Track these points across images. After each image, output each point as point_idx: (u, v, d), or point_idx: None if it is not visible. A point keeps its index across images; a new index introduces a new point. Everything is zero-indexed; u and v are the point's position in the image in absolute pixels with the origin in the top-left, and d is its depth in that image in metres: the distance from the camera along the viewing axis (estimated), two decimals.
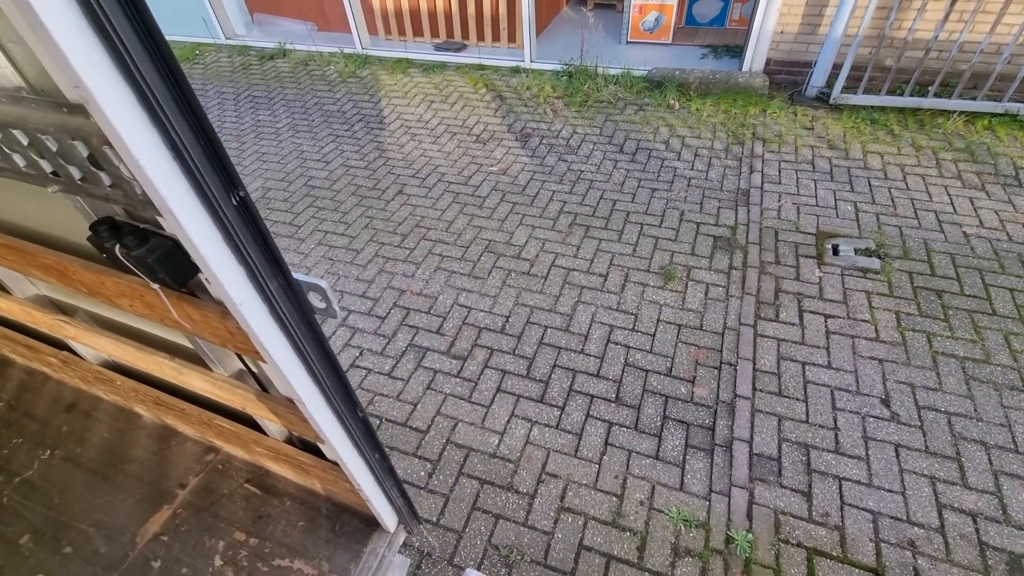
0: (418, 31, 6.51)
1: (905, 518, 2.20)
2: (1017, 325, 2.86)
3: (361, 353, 3.07)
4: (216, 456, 1.69)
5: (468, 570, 1.50)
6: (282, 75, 6.29)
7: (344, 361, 3.02)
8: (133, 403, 1.80)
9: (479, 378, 2.88)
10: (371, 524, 1.46)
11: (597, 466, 2.46)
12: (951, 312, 2.96)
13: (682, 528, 2.23)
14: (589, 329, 3.09)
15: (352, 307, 3.35)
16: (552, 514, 2.31)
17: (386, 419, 2.72)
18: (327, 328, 3.22)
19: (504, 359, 2.97)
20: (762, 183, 4.03)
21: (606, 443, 2.55)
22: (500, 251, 3.68)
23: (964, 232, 3.45)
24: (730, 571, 2.09)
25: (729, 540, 2.18)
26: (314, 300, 0.99)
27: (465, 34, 6.32)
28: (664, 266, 3.44)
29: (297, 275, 0.96)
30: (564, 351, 2.99)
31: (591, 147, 4.64)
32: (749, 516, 2.25)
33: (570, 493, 2.37)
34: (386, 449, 1.29)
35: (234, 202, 0.77)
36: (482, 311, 3.26)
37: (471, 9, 6.07)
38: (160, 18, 0.67)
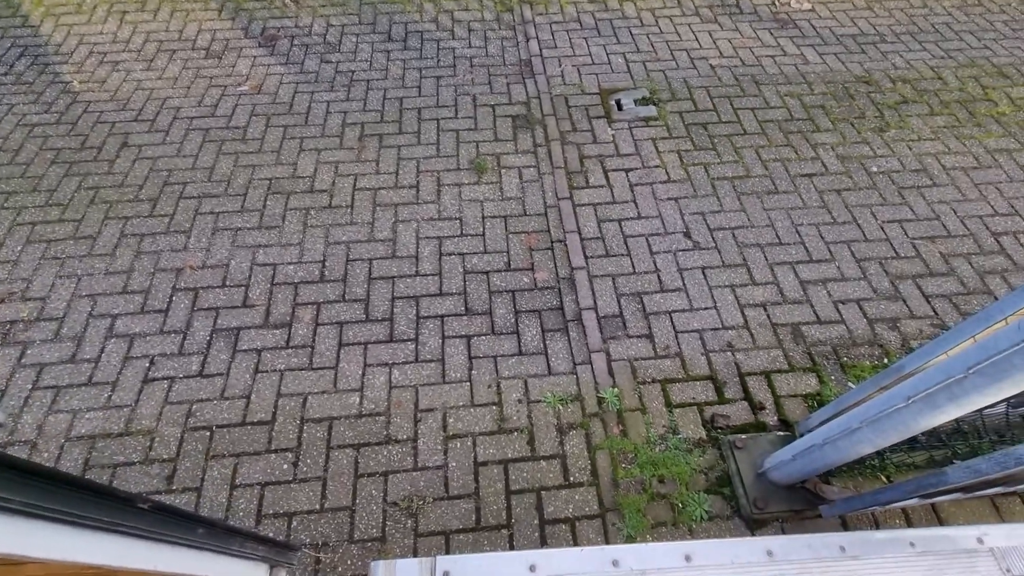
0: None
1: (721, 326, 2.60)
2: (762, 139, 3.38)
3: (152, 363, 2.43)
4: None
5: (372, 563, 1.34)
6: None
7: (131, 380, 2.37)
8: None
9: (314, 340, 2.52)
10: None
11: (468, 383, 2.41)
12: (716, 140, 3.37)
13: (560, 408, 2.34)
14: (417, 248, 2.86)
15: (115, 310, 2.58)
16: (439, 448, 2.23)
17: (216, 427, 2.26)
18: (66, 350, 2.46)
19: (335, 310, 2.62)
20: (540, 50, 3.93)
21: (470, 358, 2.48)
22: (287, 189, 3.10)
23: (711, 65, 3.85)
24: (608, 427, 2.29)
25: (600, 401, 2.36)
26: None
27: None
28: (473, 160, 3.25)
29: None
30: (399, 279, 2.74)
31: (355, 40, 3.98)
32: (611, 373, 2.45)
33: (451, 420, 2.30)
34: (215, 517, 0.99)
35: None
36: (290, 264, 2.78)
37: None
38: None
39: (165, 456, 2.20)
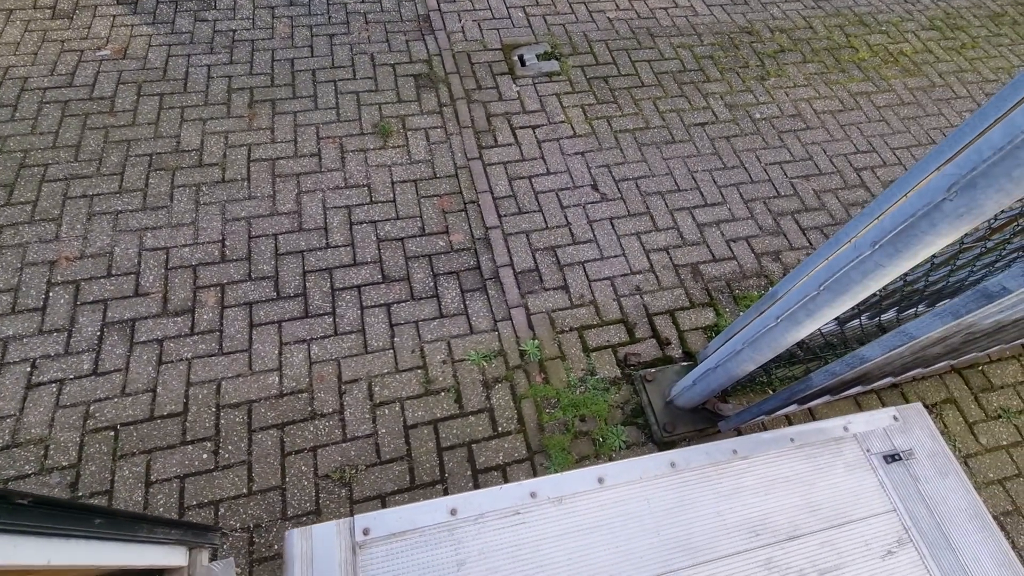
0: None
1: (629, 272, 2.77)
2: (659, 90, 3.52)
3: (34, 366, 2.21)
4: None
5: (287, 533, 1.36)
6: None
7: (12, 387, 2.15)
8: None
9: (221, 324, 2.40)
10: None
11: (391, 351, 2.41)
12: (617, 93, 3.48)
13: (484, 365, 2.42)
14: (325, 219, 2.75)
15: None
16: (367, 416, 2.24)
17: (120, 425, 2.12)
18: None
19: (242, 290, 2.49)
20: (439, 4, 3.79)
21: (391, 325, 2.48)
22: (172, 164, 2.84)
23: (608, 18, 3.91)
24: (532, 377, 2.41)
25: (523, 353, 2.46)
26: None
27: None
28: (377, 123, 3.14)
29: None
30: (308, 253, 2.64)
31: None
32: (531, 326, 2.55)
33: (377, 388, 2.31)
34: (113, 507, 0.95)
35: None
36: (185, 246, 2.59)
37: None
38: None
39: (65, 463, 2.04)
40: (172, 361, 2.29)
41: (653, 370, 2.43)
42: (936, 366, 2.41)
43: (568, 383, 2.40)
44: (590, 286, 2.70)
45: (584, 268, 2.75)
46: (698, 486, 1.61)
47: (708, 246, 2.90)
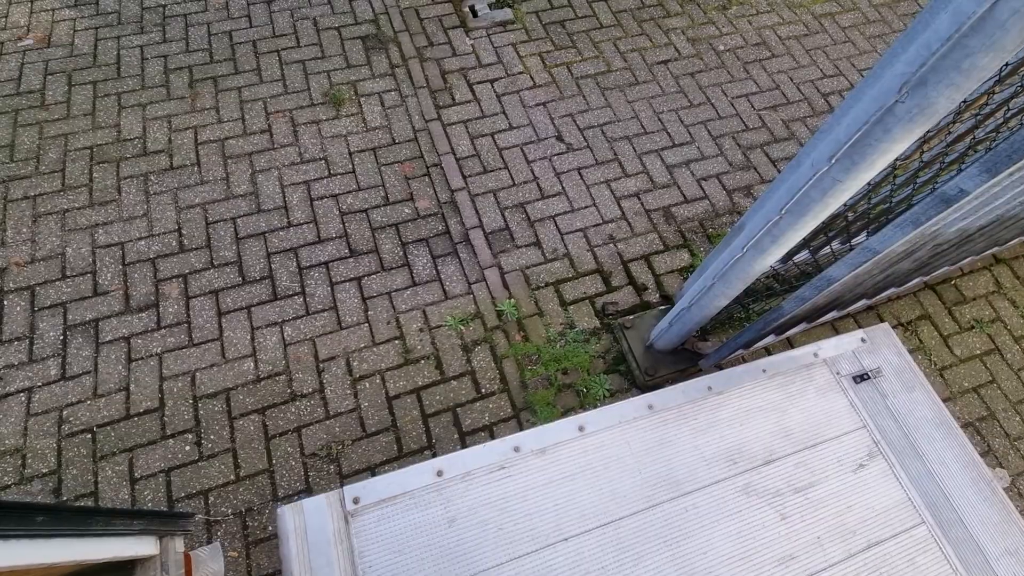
0: None
1: (601, 221, 2.73)
2: (618, 31, 3.39)
3: None
4: None
5: (278, 510, 1.36)
6: None
7: None
8: None
9: (188, 314, 2.33)
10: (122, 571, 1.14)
11: (366, 324, 2.37)
12: (576, 37, 3.34)
13: (462, 329, 2.39)
14: (284, 197, 2.66)
15: None
16: (348, 392, 2.22)
17: (97, 427, 2.08)
18: None
19: (206, 278, 2.42)
20: None
21: (364, 299, 2.43)
22: (115, 155, 2.70)
23: None
24: (511, 337, 2.39)
25: (500, 314, 2.44)
26: None
27: None
28: (327, 92, 3.00)
29: None
30: (270, 234, 2.55)
31: None
32: (506, 286, 2.52)
33: (355, 363, 2.28)
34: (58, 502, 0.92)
35: None
36: (140, 240, 2.49)
37: None
38: None
39: (45, 470, 2.00)
40: (142, 358, 2.23)
41: (632, 317, 2.42)
42: (909, 284, 2.43)
43: (548, 338, 2.39)
44: (563, 239, 2.66)
45: (555, 222, 2.70)
46: (676, 424, 1.62)
47: (679, 187, 2.86)
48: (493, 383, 2.28)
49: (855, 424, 1.65)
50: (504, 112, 3.03)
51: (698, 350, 2.25)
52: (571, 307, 2.48)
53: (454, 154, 2.87)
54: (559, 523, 1.46)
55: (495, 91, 3.09)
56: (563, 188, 2.80)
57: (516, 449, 1.57)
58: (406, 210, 2.68)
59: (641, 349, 2.33)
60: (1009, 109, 1.54)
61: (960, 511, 1.56)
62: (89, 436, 2.07)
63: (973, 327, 2.57)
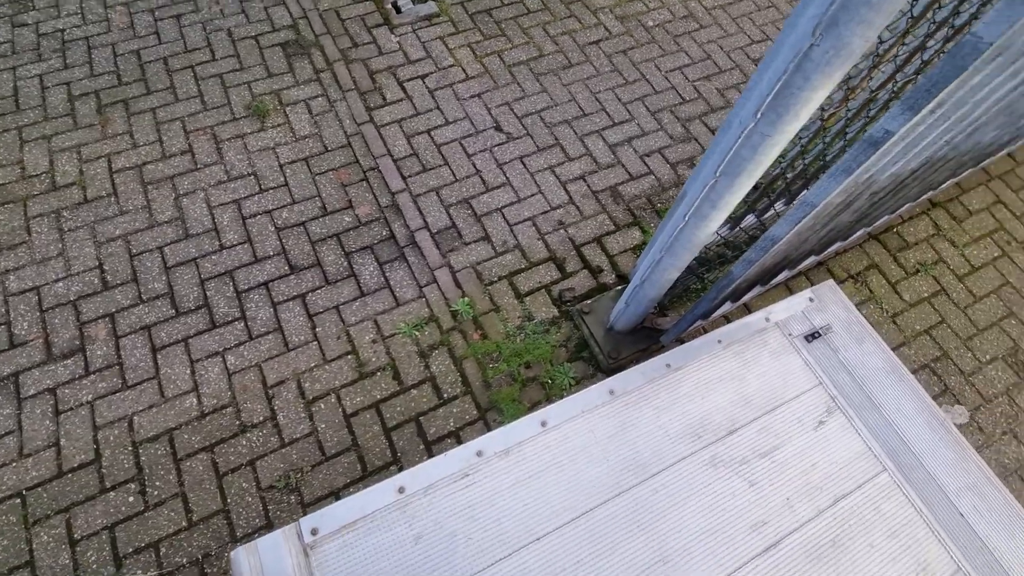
0: None
1: (549, 208, 2.67)
2: (546, 15, 3.34)
3: None
4: None
5: (232, 554, 1.25)
6: None
7: None
8: None
9: (119, 355, 2.16)
10: None
11: (315, 342, 2.25)
12: (504, 25, 3.27)
13: (417, 334, 2.30)
14: (213, 219, 2.50)
15: None
16: (303, 415, 2.10)
17: (26, 490, 1.91)
18: None
19: (135, 315, 2.25)
20: None
21: (310, 316, 2.31)
22: (21, 194, 2.49)
23: None
24: (469, 336, 2.31)
25: (455, 314, 2.36)
26: None
27: None
28: (250, 104, 2.84)
29: None
30: (201, 259, 2.40)
31: None
32: (458, 285, 2.43)
33: (307, 385, 2.16)
34: None
35: None
36: (57, 282, 2.30)
37: None
38: None
39: None
40: (71, 408, 2.06)
41: (589, 301, 2.37)
42: (854, 236, 2.47)
43: (507, 333, 2.33)
44: (512, 231, 2.59)
45: (502, 214, 2.64)
46: (638, 406, 1.57)
47: (624, 166, 2.83)
48: (455, 387, 2.20)
49: (811, 383, 1.65)
50: (439, 107, 2.94)
51: (658, 326, 2.22)
52: (527, 299, 2.42)
53: (391, 155, 2.76)
54: (529, 524, 1.40)
55: (427, 87, 3.00)
56: (507, 179, 2.74)
57: (479, 454, 1.50)
58: (346, 219, 2.57)
59: (602, 333, 2.29)
60: (926, 48, 1.55)
61: (919, 454, 1.57)
62: (18, 501, 1.89)
63: (918, 271, 2.64)
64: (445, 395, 2.18)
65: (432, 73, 3.05)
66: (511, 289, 2.44)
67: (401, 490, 1.42)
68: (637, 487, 1.46)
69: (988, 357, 2.47)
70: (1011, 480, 2.23)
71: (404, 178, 2.70)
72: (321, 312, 2.32)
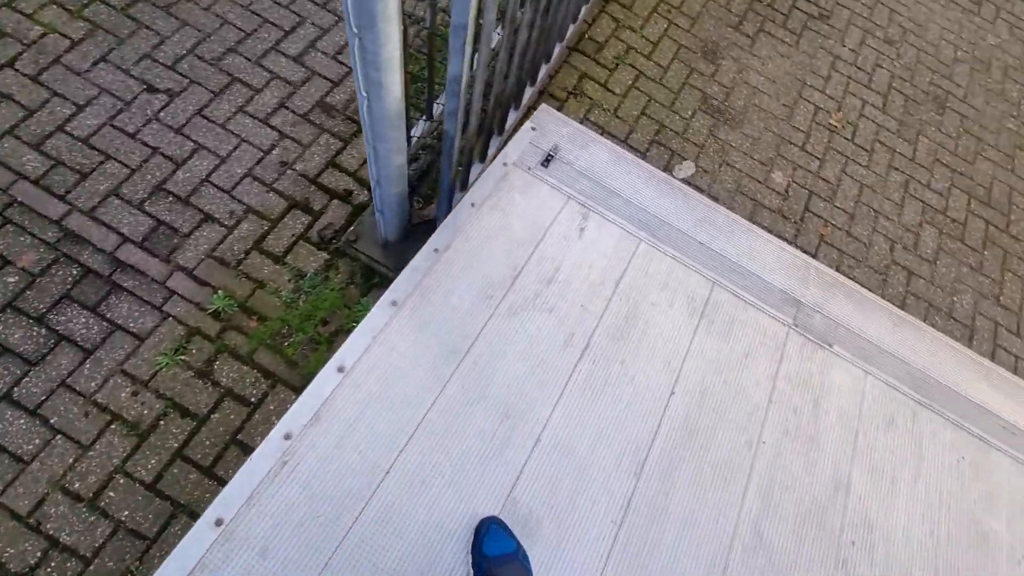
0: None
1: (263, 153, 2.32)
2: None
3: None
4: None
5: None
6: None
7: None
8: None
9: None
10: None
11: (59, 435, 1.77)
12: None
13: (184, 358, 1.93)
14: None
15: None
16: (93, 518, 1.70)
17: None
18: None
19: None
20: None
21: (32, 413, 1.78)
22: None
23: None
24: (245, 328, 2.01)
25: (216, 314, 2.02)
26: None
27: None
28: None
29: None
30: None
31: None
32: (203, 282, 2.06)
33: (78, 485, 1.72)
34: None
35: None
36: None
37: None
38: None
39: None
40: None
41: (352, 228, 2.19)
42: (554, 55, 2.57)
43: (286, 303, 2.08)
44: (232, 197, 2.22)
45: (212, 183, 2.22)
46: (424, 301, 1.53)
47: (320, 75, 2.52)
48: (258, 385, 1.94)
49: (561, 200, 1.74)
50: (58, 94, 2.25)
51: (426, 218, 2.16)
52: (288, 258, 2.16)
53: (27, 178, 2.09)
54: (372, 464, 1.33)
55: (27, 73, 2.25)
56: (196, 142, 2.28)
57: (287, 437, 1.34)
58: (11, 279, 1.94)
59: (380, 252, 2.16)
60: None
61: (659, 215, 1.80)
62: None
63: (617, 64, 2.90)
64: (252, 399, 1.92)
65: (23, 53, 2.28)
66: (266, 257, 2.14)
67: (219, 522, 1.23)
68: (457, 370, 1.45)
69: (690, 112, 2.89)
70: (736, 199, 2.75)
71: (61, 197, 2.09)
72: (45, 400, 1.81)
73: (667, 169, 2.73)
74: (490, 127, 2.13)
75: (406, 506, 1.26)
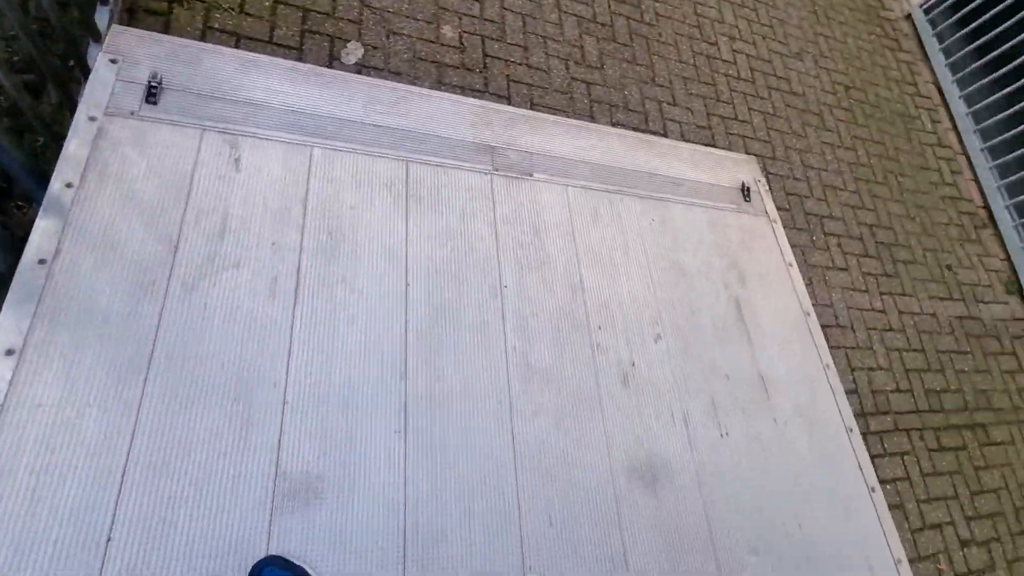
0: None
1: None
2: None
3: None
4: None
5: None
6: None
7: None
8: None
9: None
10: None
11: None
12: None
13: None
14: None
15: None
16: None
17: None
18: None
19: None
20: None
21: None
22: None
23: None
24: None
25: None
26: None
27: None
28: None
29: None
30: None
31: None
32: None
33: None
34: None
35: None
36: None
37: None
38: None
39: None
40: None
41: None
42: None
43: None
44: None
45: None
46: (56, 329, 1.16)
47: None
48: None
49: (195, 137, 1.42)
50: None
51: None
52: None
53: None
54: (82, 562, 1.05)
55: None
56: None
57: None
58: None
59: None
60: None
61: (321, 112, 1.61)
62: None
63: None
64: None
65: None
66: None
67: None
68: (147, 384, 1.18)
69: None
70: (419, 67, 2.63)
71: None
72: None
73: (334, 57, 2.45)
74: (60, 76, 1.61)
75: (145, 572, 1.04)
